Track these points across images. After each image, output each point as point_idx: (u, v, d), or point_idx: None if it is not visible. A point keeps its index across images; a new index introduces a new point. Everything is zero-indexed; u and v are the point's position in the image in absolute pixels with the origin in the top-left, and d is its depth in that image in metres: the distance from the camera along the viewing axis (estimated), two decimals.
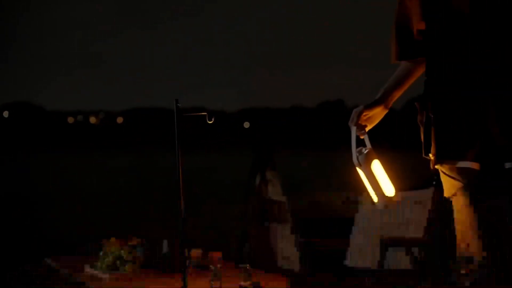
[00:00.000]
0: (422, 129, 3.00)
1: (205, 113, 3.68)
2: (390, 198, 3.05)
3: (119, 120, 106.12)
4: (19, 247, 9.39)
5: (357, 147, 3.07)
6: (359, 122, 3.07)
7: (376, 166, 3.05)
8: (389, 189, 3.06)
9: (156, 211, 13.87)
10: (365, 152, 3.06)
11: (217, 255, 5.01)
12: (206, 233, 10.29)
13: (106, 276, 4.79)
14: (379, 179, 3.04)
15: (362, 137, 3.08)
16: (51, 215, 13.69)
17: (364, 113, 3.07)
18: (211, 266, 4.61)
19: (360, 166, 3.05)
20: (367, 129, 3.10)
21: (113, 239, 4.93)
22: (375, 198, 3.07)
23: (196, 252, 5.06)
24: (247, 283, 4.29)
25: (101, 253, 4.91)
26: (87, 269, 4.96)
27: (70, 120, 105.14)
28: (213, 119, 3.64)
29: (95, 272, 4.89)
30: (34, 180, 23.92)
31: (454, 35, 2.84)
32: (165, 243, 5.03)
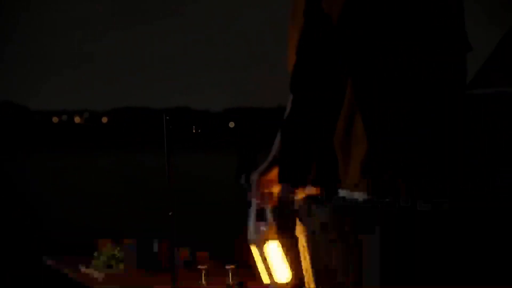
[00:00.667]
0: None
1: (193, 126, 3.88)
2: (282, 284, 2.61)
3: (104, 120, 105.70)
4: (11, 246, 9.52)
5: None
6: (261, 191, 2.61)
7: (272, 248, 2.60)
8: (282, 276, 2.61)
9: (150, 211, 14.00)
10: (263, 229, 2.61)
11: (205, 254, 5.22)
12: (202, 233, 10.43)
13: (101, 275, 4.98)
14: (273, 263, 2.61)
15: (267, 208, 2.61)
16: (44, 215, 13.78)
17: (262, 181, 2.61)
18: (199, 266, 4.83)
19: (254, 244, 2.62)
20: (274, 192, 2.60)
21: (107, 239, 5.16)
22: (265, 279, 2.64)
23: (183, 252, 5.23)
24: (232, 282, 4.46)
25: (95, 253, 5.10)
26: (82, 269, 5.15)
27: (55, 120, 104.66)
28: (199, 130, 3.86)
29: (90, 271, 5.08)
30: (24, 180, 23.93)
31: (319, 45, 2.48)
32: (155, 242, 5.22)
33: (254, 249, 2.63)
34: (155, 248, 5.20)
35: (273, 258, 2.60)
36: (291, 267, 2.62)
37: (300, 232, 2.55)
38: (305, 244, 2.51)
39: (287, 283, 2.60)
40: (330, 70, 2.44)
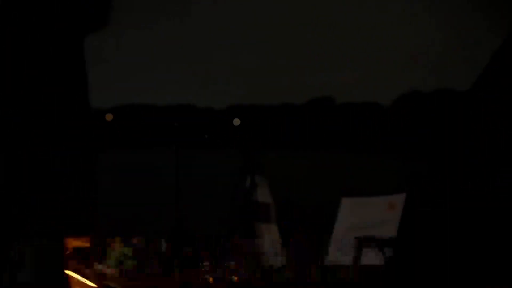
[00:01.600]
0: None
1: (206, 136, 4.01)
2: None
3: (109, 117, 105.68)
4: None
5: None
6: None
7: None
8: None
9: (155, 209, 13.98)
10: None
11: (206, 254, 5.36)
12: (203, 231, 10.48)
13: (113, 271, 5.27)
14: None
15: None
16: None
17: None
18: (201, 263, 4.96)
19: None
20: None
21: (117, 238, 5.36)
22: None
23: (187, 251, 5.40)
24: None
25: (108, 250, 5.32)
26: (96, 266, 5.39)
27: None
28: (206, 136, 3.98)
29: (103, 267, 5.30)
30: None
31: None
32: (163, 242, 5.39)
33: None
34: (163, 247, 5.38)
35: None
36: None
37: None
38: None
39: None
40: None
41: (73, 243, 5.42)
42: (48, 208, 6.22)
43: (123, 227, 11.17)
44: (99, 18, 2.50)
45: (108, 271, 5.28)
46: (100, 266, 5.42)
